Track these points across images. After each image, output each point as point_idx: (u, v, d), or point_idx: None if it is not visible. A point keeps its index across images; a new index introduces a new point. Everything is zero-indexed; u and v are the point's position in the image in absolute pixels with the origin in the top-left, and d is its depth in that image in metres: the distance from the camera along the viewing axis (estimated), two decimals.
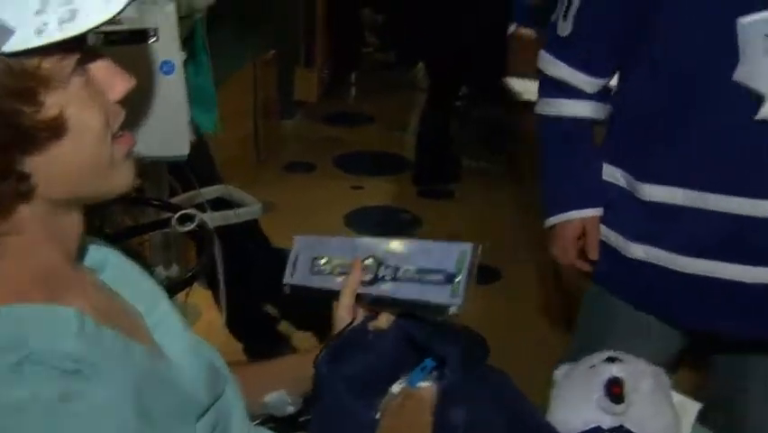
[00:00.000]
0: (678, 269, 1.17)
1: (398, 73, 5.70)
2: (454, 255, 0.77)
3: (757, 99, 1.02)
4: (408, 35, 4.80)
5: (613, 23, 1.18)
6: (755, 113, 1.03)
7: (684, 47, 1.09)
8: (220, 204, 1.87)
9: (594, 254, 1.27)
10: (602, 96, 1.27)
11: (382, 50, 6.36)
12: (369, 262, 0.83)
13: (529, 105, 2.60)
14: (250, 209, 1.85)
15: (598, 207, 1.27)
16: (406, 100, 5.12)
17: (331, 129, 4.76)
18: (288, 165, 4.13)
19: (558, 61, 1.25)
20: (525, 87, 2.67)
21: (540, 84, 1.32)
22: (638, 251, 1.20)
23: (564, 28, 1.23)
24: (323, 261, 0.88)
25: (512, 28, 3.71)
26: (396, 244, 0.83)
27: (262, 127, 3.94)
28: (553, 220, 1.31)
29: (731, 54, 1.02)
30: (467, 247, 0.77)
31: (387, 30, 6.14)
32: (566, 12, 1.22)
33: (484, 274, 3.12)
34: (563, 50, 1.24)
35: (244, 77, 3.62)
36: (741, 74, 1.02)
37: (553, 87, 1.28)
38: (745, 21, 1.00)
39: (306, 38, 4.91)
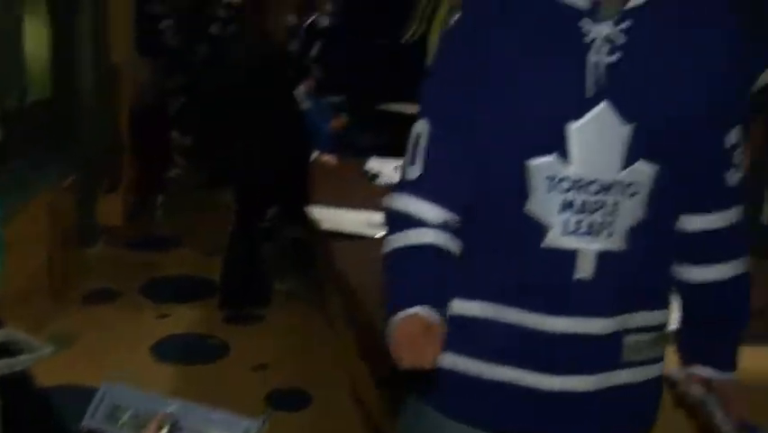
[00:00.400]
0: (484, 377, 1.27)
1: (207, 195, 5.72)
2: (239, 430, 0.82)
3: (543, 229, 1.21)
4: (216, 159, 4.88)
5: (456, 161, 1.29)
6: (543, 241, 1.21)
7: (490, 181, 1.25)
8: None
9: (437, 350, 1.23)
10: (453, 229, 1.31)
11: (190, 173, 6.37)
12: (164, 431, 0.87)
13: (330, 234, 2.72)
14: (35, 354, 1.74)
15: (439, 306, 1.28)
16: (214, 222, 5.12)
17: (136, 255, 4.63)
18: (89, 295, 3.94)
19: (408, 197, 1.30)
20: (326, 216, 2.78)
21: (387, 223, 1.36)
22: (447, 360, 1.26)
23: (413, 171, 1.30)
24: (124, 414, 0.92)
25: (314, 155, 3.89)
26: (195, 412, 0.89)
27: (59, 257, 3.75)
28: (396, 319, 1.25)
29: (523, 190, 1.20)
30: (251, 425, 0.82)
31: (195, 152, 6.19)
32: (413, 157, 1.31)
33: (295, 400, 3.12)
34: (413, 190, 1.30)
35: (37, 203, 3.47)
36: (530, 207, 1.20)
37: (401, 223, 1.31)
38: (532, 163, 1.19)
39: (109, 161, 4.82)
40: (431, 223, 1.28)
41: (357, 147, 4.62)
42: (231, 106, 4.02)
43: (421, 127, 1.31)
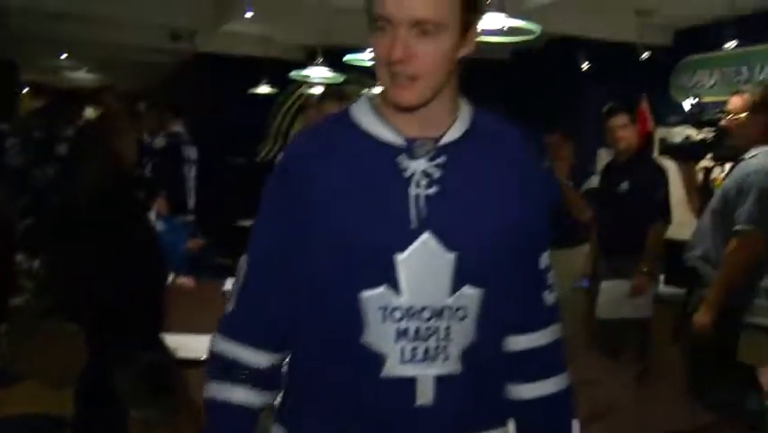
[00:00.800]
0: None
1: (55, 323, 5.39)
2: None
3: (381, 359, 1.24)
4: (65, 283, 4.65)
5: (272, 299, 1.33)
6: (381, 371, 1.25)
7: (326, 314, 1.28)
8: None
9: None
10: (274, 377, 1.36)
11: (38, 297, 6.02)
12: None
13: (186, 362, 2.66)
14: None
15: None
16: (64, 352, 4.83)
17: None
18: None
19: (223, 339, 1.34)
20: (181, 343, 2.73)
21: (208, 364, 1.38)
22: None
23: (228, 307, 1.35)
24: None
25: (170, 278, 3.82)
26: None
27: None
28: None
29: (358, 321, 1.24)
30: None
31: (42, 276, 5.87)
32: (232, 293, 1.35)
33: None
34: (229, 331, 1.34)
35: None
36: (366, 338, 1.24)
37: (217, 368, 1.35)
38: (364, 295, 1.24)
39: None
40: (244, 369, 1.33)
41: (214, 268, 4.58)
42: (80, 228, 3.89)
43: (242, 263, 1.36)
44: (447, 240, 1.25)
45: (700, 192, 4.15)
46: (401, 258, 1.23)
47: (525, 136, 1.40)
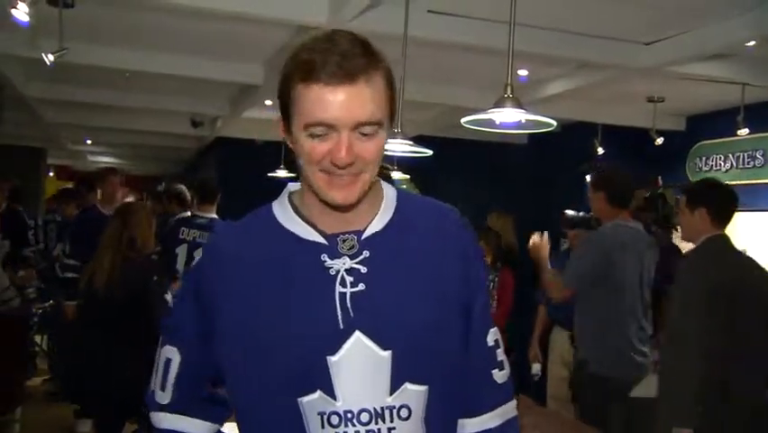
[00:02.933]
0: None
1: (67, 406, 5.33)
2: None
3: None
4: (72, 369, 4.61)
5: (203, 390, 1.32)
6: None
7: (265, 420, 1.22)
8: None
9: None
10: None
11: (53, 381, 5.99)
12: None
13: None
14: None
15: None
16: None
17: None
18: None
19: (171, 415, 1.32)
20: None
21: None
22: None
23: (164, 397, 1.32)
24: None
25: None
26: None
27: None
28: None
29: (301, 426, 1.18)
30: None
31: (57, 359, 5.83)
32: (163, 383, 1.32)
33: None
34: (167, 420, 1.32)
35: None
36: None
37: None
38: (304, 400, 1.17)
39: None
40: None
41: None
42: (98, 314, 3.88)
43: (170, 354, 1.32)
44: (380, 338, 1.17)
45: None
46: (333, 360, 1.16)
47: (456, 213, 1.34)
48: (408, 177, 5.84)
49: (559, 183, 6.85)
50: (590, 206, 3.68)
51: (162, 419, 1.33)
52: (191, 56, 4.96)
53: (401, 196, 1.31)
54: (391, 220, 1.25)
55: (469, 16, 3.70)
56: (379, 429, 1.17)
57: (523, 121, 2.56)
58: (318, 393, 1.16)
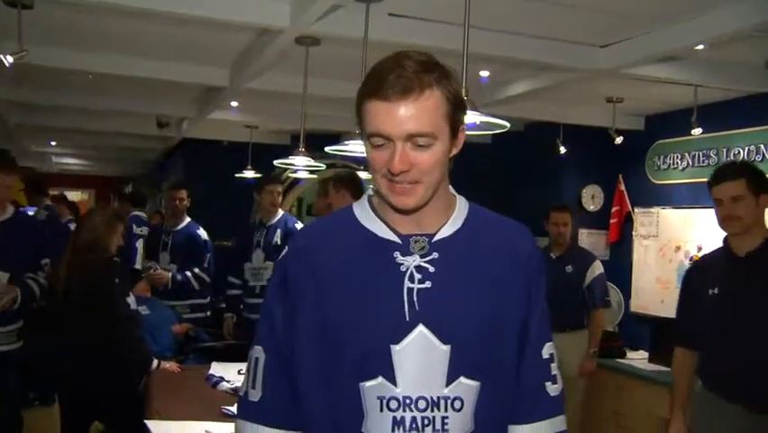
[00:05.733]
0: None
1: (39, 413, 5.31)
2: None
3: None
4: (39, 370, 4.60)
5: (291, 388, 1.37)
6: None
7: (325, 404, 1.32)
8: None
9: None
10: None
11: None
12: None
13: None
14: None
15: None
16: None
17: None
18: None
19: (256, 425, 1.39)
20: (163, 431, 2.73)
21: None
22: None
23: (255, 395, 1.40)
24: None
25: (155, 363, 3.81)
26: None
27: None
28: None
29: (360, 410, 1.29)
30: None
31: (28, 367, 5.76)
32: (254, 381, 1.40)
33: None
34: (260, 415, 1.39)
35: None
36: (366, 427, 1.29)
37: None
38: (365, 386, 1.29)
39: None
40: None
41: (200, 352, 4.58)
42: (58, 315, 3.87)
43: (257, 353, 1.41)
44: (441, 332, 1.29)
45: None
46: (397, 349, 1.28)
47: (523, 229, 1.46)
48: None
49: (522, 182, 6.97)
50: None
51: (246, 427, 1.40)
52: (155, 59, 4.96)
53: (472, 208, 1.44)
54: (461, 228, 1.38)
55: (429, 19, 3.78)
56: (433, 417, 1.28)
57: (478, 122, 2.65)
58: (380, 379, 1.28)
